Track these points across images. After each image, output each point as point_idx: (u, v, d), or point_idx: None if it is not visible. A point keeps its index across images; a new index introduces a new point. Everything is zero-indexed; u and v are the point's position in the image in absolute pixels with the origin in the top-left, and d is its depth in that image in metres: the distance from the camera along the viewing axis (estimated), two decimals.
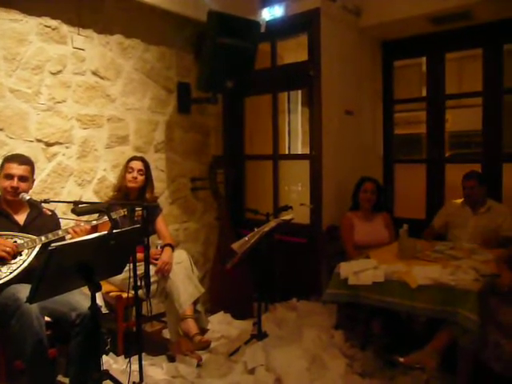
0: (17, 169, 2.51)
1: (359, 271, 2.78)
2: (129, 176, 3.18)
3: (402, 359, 2.59)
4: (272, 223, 2.97)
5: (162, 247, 3.09)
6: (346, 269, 2.85)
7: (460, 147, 9.13)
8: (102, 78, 3.34)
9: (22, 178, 2.52)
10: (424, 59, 4.31)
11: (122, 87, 3.49)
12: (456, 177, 3.72)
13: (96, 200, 3.27)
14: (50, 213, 2.63)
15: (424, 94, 4.36)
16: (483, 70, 3.94)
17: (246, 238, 2.88)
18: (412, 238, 3.17)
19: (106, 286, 2.97)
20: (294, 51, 4.25)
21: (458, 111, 8.03)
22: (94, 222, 2.67)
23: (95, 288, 2.03)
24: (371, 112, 4.40)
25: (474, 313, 2.39)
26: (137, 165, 3.20)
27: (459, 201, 3.69)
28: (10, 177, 2.50)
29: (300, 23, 3.84)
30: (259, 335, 3.12)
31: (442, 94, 4.19)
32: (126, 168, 3.22)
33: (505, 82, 3.93)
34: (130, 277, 2.46)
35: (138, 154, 3.42)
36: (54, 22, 3.04)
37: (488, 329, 2.41)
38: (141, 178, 3.20)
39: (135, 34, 3.55)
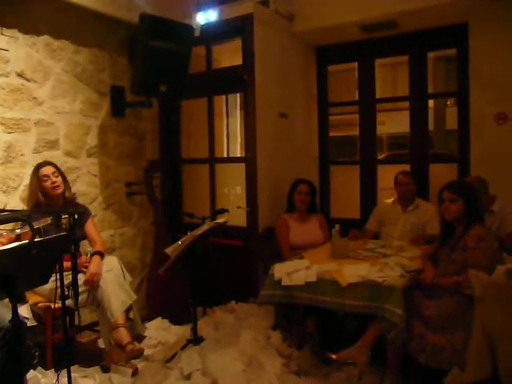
0: None
1: (292, 272, 2.84)
2: (47, 184, 3.04)
3: (334, 356, 2.65)
4: (205, 226, 2.97)
5: (92, 255, 3.01)
6: (279, 270, 2.90)
7: (397, 148, 9.56)
8: (28, 80, 3.21)
9: None
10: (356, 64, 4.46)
11: (51, 90, 3.37)
12: (390, 177, 3.89)
13: (22, 207, 3.13)
14: None
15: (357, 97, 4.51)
16: (409, 75, 4.14)
17: (179, 242, 2.86)
18: (344, 237, 3.28)
19: (33, 297, 2.86)
20: (231, 55, 4.27)
21: (394, 114, 8.42)
22: (18, 231, 2.56)
23: (16, 300, 1.95)
24: (306, 115, 4.50)
25: (399, 307, 2.50)
26: (48, 169, 3.07)
27: (390, 200, 3.86)
28: None
29: (234, 28, 3.87)
30: (195, 340, 3.10)
31: (372, 98, 4.36)
32: (39, 178, 3.05)
33: (429, 87, 4.18)
34: (56, 287, 2.37)
35: (63, 159, 3.32)
36: None
37: (413, 322, 2.52)
38: (59, 179, 3.09)
39: (65, 35, 3.44)
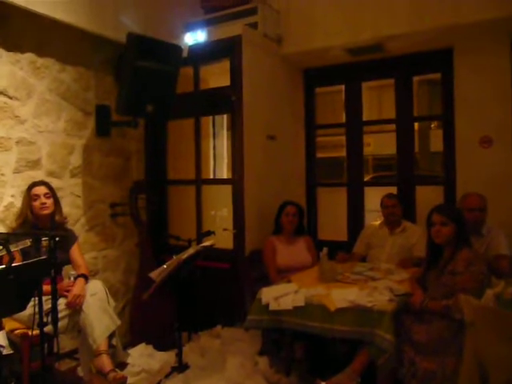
0: None
1: (280, 296, 2.78)
2: (36, 204, 2.98)
3: (323, 383, 2.59)
4: (191, 250, 2.91)
5: (75, 278, 2.92)
6: (267, 294, 2.85)
7: (382, 170, 9.67)
8: (10, 97, 3.13)
9: None
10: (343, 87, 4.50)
11: (34, 108, 3.30)
12: (377, 199, 3.88)
13: (2, 229, 3.03)
14: None
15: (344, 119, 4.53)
16: (395, 98, 4.18)
17: (165, 266, 2.79)
18: (332, 260, 3.24)
19: (10, 324, 2.73)
20: (219, 76, 4.27)
21: (380, 136, 8.52)
22: None
23: None
24: (294, 137, 4.50)
25: (389, 333, 2.46)
26: (41, 190, 3.02)
27: (377, 222, 3.84)
28: None
29: (222, 49, 3.87)
30: (180, 367, 3.01)
31: (359, 120, 4.38)
32: (30, 196, 3.00)
33: (415, 110, 4.23)
34: (35, 312, 2.28)
35: (45, 179, 3.22)
36: None
37: (403, 347, 2.49)
38: (50, 201, 3.02)
39: (50, 52, 3.38)
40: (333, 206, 4.63)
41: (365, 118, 4.44)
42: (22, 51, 3.22)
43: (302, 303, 2.72)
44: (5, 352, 2.48)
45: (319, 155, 4.79)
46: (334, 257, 3.52)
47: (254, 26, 3.93)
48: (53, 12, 3.16)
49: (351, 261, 3.62)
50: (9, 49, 3.12)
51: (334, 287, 2.86)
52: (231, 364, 3.01)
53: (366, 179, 5.26)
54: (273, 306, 2.78)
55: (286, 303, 2.75)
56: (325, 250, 3.11)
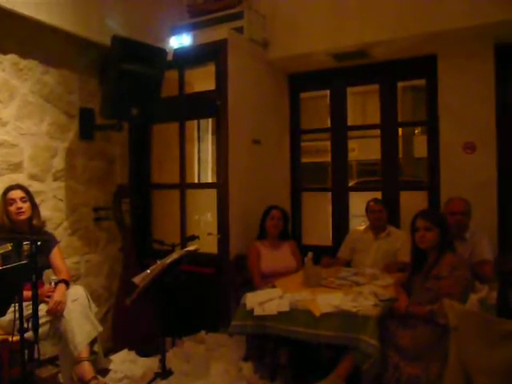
0: None
1: (264, 301, 2.77)
2: (12, 208, 2.91)
3: None
4: (175, 255, 2.88)
5: (56, 283, 2.86)
6: (251, 299, 2.83)
7: (367, 175, 9.73)
8: None
9: None
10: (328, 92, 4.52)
11: (16, 110, 3.25)
12: (361, 204, 3.90)
13: None
14: None
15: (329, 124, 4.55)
16: (380, 104, 4.21)
17: (148, 271, 2.75)
18: (317, 265, 3.24)
19: None
20: (204, 80, 4.25)
21: (364, 141, 8.59)
22: None
23: None
24: (278, 141, 4.50)
25: (374, 338, 2.46)
26: (17, 194, 2.94)
27: (362, 227, 3.85)
28: None
29: (208, 53, 3.85)
30: (164, 373, 2.96)
31: (344, 125, 4.40)
32: (5, 201, 2.92)
33: (399, 116, 4.26)
34: (15, 318, 2.22)
35: (24, 183, 3.16)
36: None
37: (388, 352, 2.49)
38: (26, 205, 2.96)
39: (33, 54, 3.34)
40: (317, 210, 4.64)
41: (349, 123, 4.46)
42: (5, 52, 3.17)
43: (286, 308, 2.71)
44: None
45: (304, 160, 4.80)
46: (319, 262, 3.52)
47: (240, 30, 3.92)
48: (36, 14, 3.14)
49: (336, 266, 3.62)
50: None
51: (318, 292, 2.86)
52: (215, 370, 2.98)
53: (350, 184, 5.30)
54: (257, 312, 2.76)
55: (271, 308, 2.74)
56: (310, 254, 3.11)
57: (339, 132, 4.41)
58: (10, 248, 2.42)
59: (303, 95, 4.70)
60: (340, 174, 4.43)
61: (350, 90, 4.47)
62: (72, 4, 3.35)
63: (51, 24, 3.25)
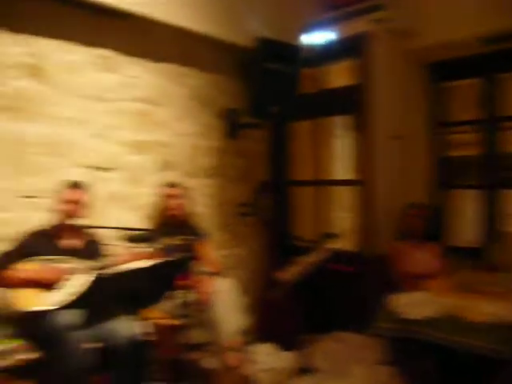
0: (72, 194, 2.58)
1: (411, 305, 2.64)
2: (171, 203, 3.16)
3: None
4: (321, 254, 2.87)
5: (207, 275, 3.05)
6: (397, 302, 2.72)
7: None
8: (152, 104, 3.43)
9: (76, 203, 2.58)
10: (477, 80, 4.12)
11: (173, 113, 3.58)
12: None
13: (144, 226, 3.26)
14: (94, 238, 2.67)
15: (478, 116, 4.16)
16: None
17: (295, 268, 2.79)
18: (474, 270, 3.00)
19: (155, 313, 2.92)
20: (341, 75, 4.19)
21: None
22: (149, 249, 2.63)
23: (137, 316, 2.00)
24: (420, 135, 4.23)
25: None
26: (176, 191, 3.19)
27: None
28: (66, 201, 2.57)
29: (346, 47, 3.79)
30: (307, 368, 3.00)
31: (494, 116, 3.99)
32: (166, 196, 3.19)
33: None
34: (175, 305, 2.42)
35: (180, 180, 3.42)
36: (106, 52, 3.17)
37: None
38: (183, 201, 3.20)
39: (189, 62, 3.66)
40: (464, 209, 4.29)
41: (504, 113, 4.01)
42: (167, 61, 3.51)
43: (436, 314, 2.56)
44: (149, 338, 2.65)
45: (450, 154, 4.45)
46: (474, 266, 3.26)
47: (380, 21, 3.77)
48: (192, 25, 3.37)
49: (492, 270, 3.31)
50: (154, 60, 3.44)
51: (472, 298, 2.65)
52: (356, 371, 2.94)
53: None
54: (403, 315, 2.65)
55: (419, 312, 2.60)
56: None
57: (489, 123, 4.01)
58: (178, 242, 2.58)
59: (447, 84, 4.36)
60: (491, 168, 4.03)
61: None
62: (219, 13, 3.53)
63: (205, 33, 3.46)
